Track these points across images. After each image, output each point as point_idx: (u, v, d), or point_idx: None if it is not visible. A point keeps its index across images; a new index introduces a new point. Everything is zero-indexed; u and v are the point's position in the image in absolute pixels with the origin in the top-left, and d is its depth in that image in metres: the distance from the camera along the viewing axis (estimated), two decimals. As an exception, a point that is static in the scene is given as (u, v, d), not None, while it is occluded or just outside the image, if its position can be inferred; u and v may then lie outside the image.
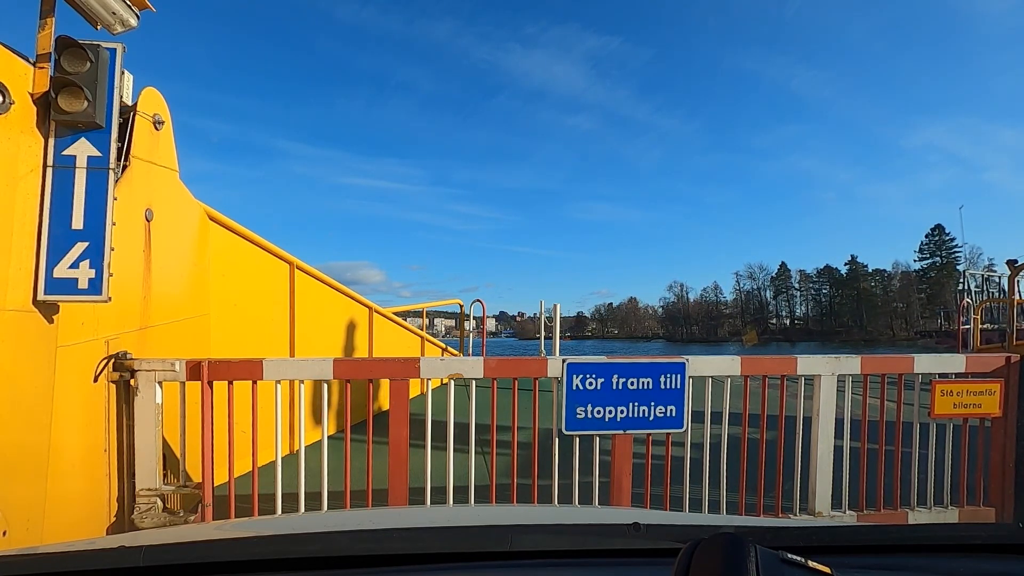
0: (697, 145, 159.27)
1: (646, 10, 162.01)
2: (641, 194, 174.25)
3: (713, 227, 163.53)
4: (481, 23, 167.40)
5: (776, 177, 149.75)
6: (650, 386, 2.76)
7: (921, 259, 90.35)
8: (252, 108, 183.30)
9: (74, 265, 2.21)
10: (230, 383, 2.60)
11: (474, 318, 10.65)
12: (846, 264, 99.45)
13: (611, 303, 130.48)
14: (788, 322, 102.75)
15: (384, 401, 2.76)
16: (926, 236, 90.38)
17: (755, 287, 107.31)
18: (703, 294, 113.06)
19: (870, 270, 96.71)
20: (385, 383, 2.72)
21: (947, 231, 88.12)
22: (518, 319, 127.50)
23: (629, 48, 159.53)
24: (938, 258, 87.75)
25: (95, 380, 2.43)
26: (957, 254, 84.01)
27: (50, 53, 2.20)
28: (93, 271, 2.23)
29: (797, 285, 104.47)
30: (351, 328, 6.11)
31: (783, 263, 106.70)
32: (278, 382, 2.65)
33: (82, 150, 2.26)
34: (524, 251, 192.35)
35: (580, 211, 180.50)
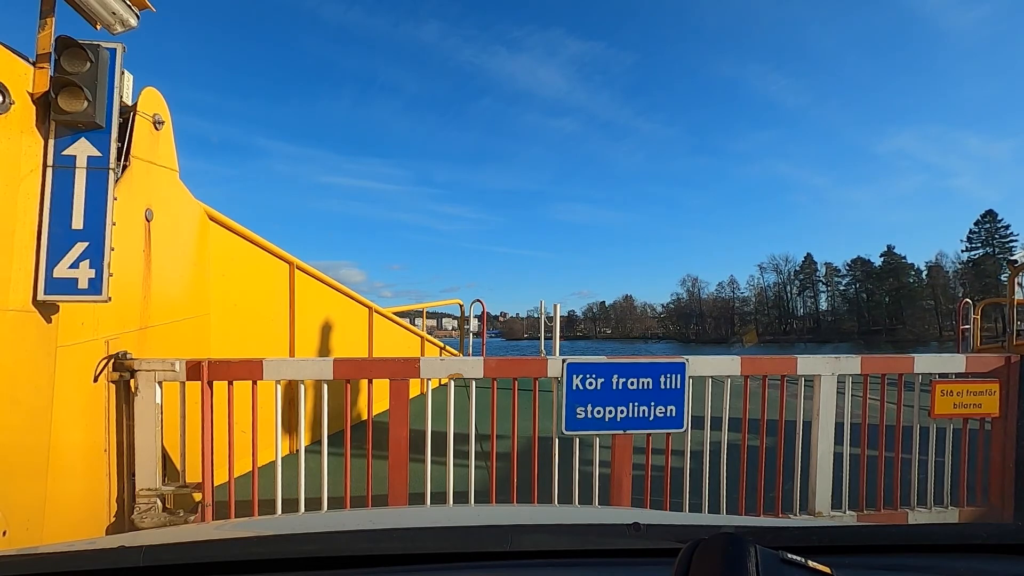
0: (678, 148, 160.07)
1: (630, 16, 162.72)
2: (624, 196, 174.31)
3: (698, 229, 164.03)
4: (467, 26, 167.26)
5: (755, 181, 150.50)
6: (650, 386, 2.76)
7: (971, 249, 78.45)
8: (233, 106, 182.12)
9: (74, 265, 2.21)
10: (230, 383, 2.60)
11: (475, 318, 10.64)
12: (881, 256, 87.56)
13: (603, 301, 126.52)
14: (816, 320, 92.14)
15: (383, 402, 2.76)
16: (975, 224, 78.55)
17: (780, 280, 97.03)
18: (718, 289, 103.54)
19: (908, 261, 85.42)
20: (383, 383, 2.72)
21: (999, 217, 76.70)
22: (501, 319, 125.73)
23: (613, 53, 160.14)
24: (990, 248, 76.09)
25: (95, 380, 2.43)
26: (1013, 243, 74.42)
27: (50, 53, 2.20)
28: (93, 271, 2.23)
29: (823, 279, 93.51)
30: (351, 328, 6.11)
31: (808, 254, 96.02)
32: (278, 382, 2.65)
33: (82, 150, 2.26)
34: (506, 251, 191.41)
35: (562, 212, 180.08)
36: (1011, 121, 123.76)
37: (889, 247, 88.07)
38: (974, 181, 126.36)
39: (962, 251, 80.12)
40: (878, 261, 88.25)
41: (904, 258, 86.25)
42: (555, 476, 2.76)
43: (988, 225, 77.80)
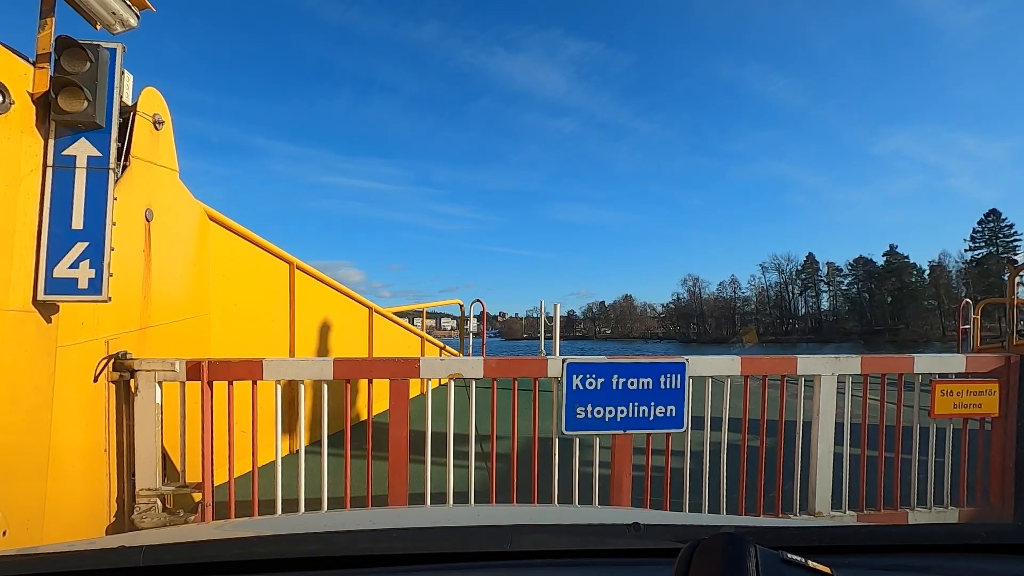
0: (678, 148, 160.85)
1: (629, 17, 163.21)
2: (623, 196, 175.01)
3: (698, 229, 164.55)
4: (466, 26, 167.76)
5: (753, 181, 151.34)
6: (650, 386, 2.76)
7: (974, 248, 77.19)
8: (232, 105, 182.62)
9: (74, 265, 2.21)
10: (230, 383, 2.60)
11: (474, 318, 10.64)
12: (884, 255, 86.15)
13: (603, 301, 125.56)
14: (818, 320, 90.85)
15: (383, 402, 2.76)
16: (979, 223, 77.54)
17: (781, 280, 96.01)
18: (719, 289, 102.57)
19: (911, 260, 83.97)
20: (383, 383, 2.72)
21: (1003, 216, 75.14)
22: (500, 319, 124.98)
23: (612, 53, 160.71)
24: (993, 247, 74.80)
25: (95, 380, 2.43)
26: (1016, 242, 73.37)
27: (50, 53, 2.20)
28: (93, 271, 2.23)
29: (825, 278, 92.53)
30: (351, 328, 6.11)
31: (810, 254, 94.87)
32: (278, 382, 2.65)
33: (82, 150, 2.26)
34: (504, 252, 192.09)
35: (561, 212, 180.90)
36: (1009, 121, 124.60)
37: (892, 246, 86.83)
38: (972, 181, 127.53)
39: (965, 250, 79.28)
40: (881, 260, 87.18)
41: (907, 257, 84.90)
42: (555, 476, 2.76)
43: (992, 224, 76.76)
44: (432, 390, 2.81)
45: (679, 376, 2.78)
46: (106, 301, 2.27)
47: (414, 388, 2.89)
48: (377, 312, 6.79)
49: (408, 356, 2.88)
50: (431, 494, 2.72)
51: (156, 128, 2.77)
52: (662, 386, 2.77)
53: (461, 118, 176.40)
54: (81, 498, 2.37)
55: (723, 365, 2.89)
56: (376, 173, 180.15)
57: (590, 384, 2.72)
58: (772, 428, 2.90)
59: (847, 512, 2.94)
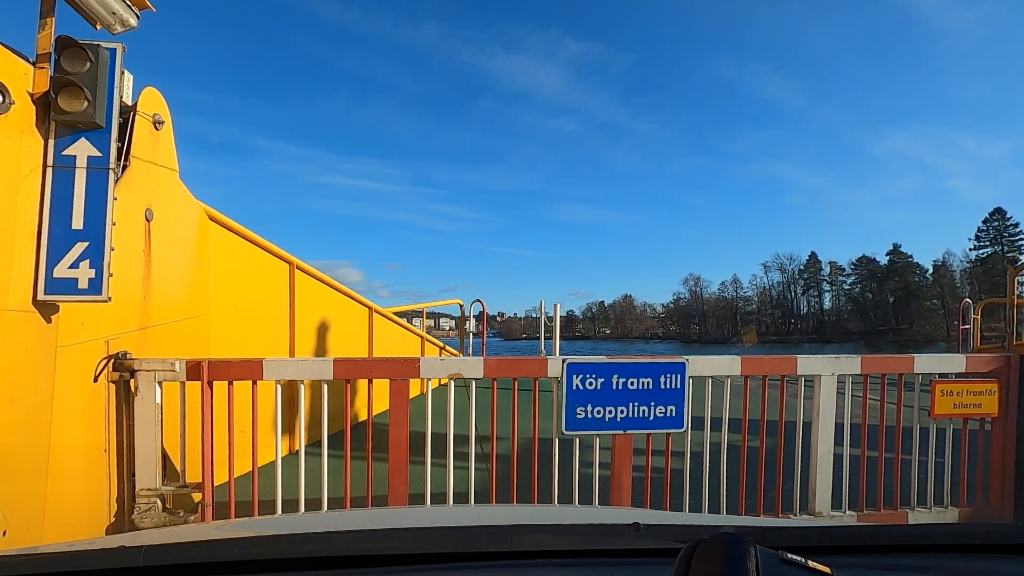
0: (677, 148, 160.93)
1: (629, 17, 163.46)
2: (623, 196, 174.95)
3: (699, 229, 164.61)
4: (466, 26, 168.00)
5: (753, 181, 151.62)
6: (650, 386, 2.76)
7: (979, 247, 76.53)
8: (232, 105, 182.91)
9: (74, 265, 2.21)
10: (230, 383, 2.60)
11: (473, 318, 10.65)
12: (887, 254, 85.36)
13: (602, 301, 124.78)
14: (820, 319, 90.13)
15: (383, 402, 2.76)
16: (983, 222, 76.98)
17: (784, 279, 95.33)
18: (721, 288, 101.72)
19: (915, 260, 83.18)
20: (383, 383, 2.72)
21: (1008, 215, 74.42)
22: (499, 319, 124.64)
23: (611, 53, 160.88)
24: (998, 246, 74.21)
25: (95, 380, 2.43)
26: (1021, 241, 73.02)
27: (50, 53, 2.20)
28: (93, 271, 2.23)
29: (828, 278, 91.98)
30: (351, 328, 6.11)
31: (813, 253, 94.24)
32: (278, 382, 2.65)
33: (82, 150, 2.26)
34: (503, 251, 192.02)
35: (560, 212, 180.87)
36: (1008, 121, 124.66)
37: (895, 245, 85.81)
38: (971, 182, 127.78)
39: (970, 249, 78.56)
40: (884, 260, 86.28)
41: (911, 257, 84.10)
42: (555, 476, 2.76)
43: (997, 223, 76.07)
44: (432, 390, 2.81)
45: (679, 376, 2.78)
46: (106, 301, 2.27)
47: (414, 388, 2.89)
48: (377, 312, 6.79)
49: (408, 356, 2.88)
50: (431, 494, 2.72)
51: (156, 128, 2.77)
52: (662, 386, 2.77)
53: (461, 118, 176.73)
54: (81, 498, 2.37)
55: (723, 365, 2.89)
56: (376, 173, 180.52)
57: (590, 384, 2.72)
58: (772, 428, 2.90)
59: (847, 512, 2.94)
